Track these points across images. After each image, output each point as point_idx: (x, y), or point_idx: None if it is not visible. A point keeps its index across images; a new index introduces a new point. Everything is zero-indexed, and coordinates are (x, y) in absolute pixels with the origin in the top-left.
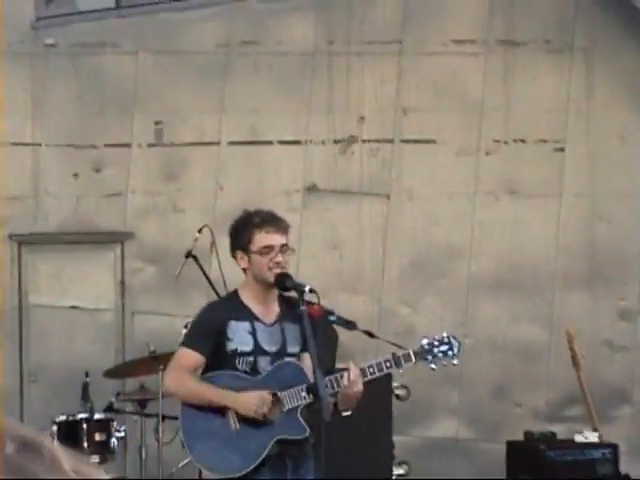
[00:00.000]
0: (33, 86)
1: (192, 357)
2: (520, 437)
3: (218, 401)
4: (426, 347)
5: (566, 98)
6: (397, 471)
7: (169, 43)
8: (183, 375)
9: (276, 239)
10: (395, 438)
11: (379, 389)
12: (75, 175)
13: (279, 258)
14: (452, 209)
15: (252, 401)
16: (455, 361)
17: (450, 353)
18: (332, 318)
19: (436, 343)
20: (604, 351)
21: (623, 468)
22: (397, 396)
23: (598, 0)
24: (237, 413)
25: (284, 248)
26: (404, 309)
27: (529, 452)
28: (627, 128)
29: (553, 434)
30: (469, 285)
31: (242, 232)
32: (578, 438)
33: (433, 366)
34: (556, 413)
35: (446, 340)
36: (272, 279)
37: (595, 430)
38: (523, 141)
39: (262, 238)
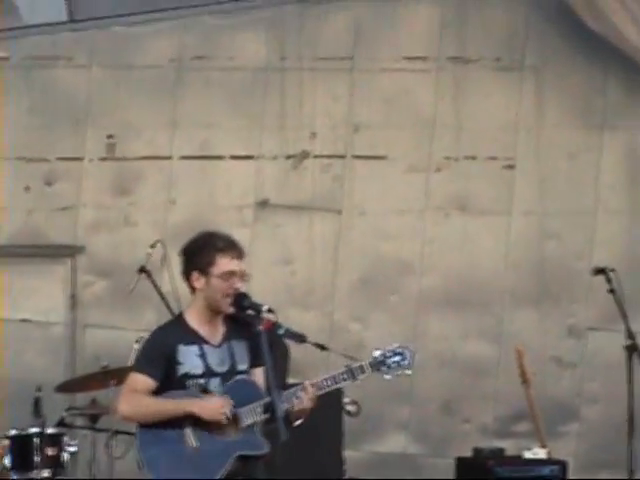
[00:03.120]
0: None
1: (144, 382)
2: (469, 453)
3: (181, 409)
4: (379, 358)
5: (516, 116)
6: None
7: (122, 57)
8: (136, 396)
9: (238, 265)
10: (346, 453)
11: (329, 405)
12: (26, 188)
13: (238, 284)
14: (402, 225)
15: (217, 402)
16: (408, 371)
17: (404, 363)
18: (281, 331)
19: (389, 354)
20: (552, 368)
21: None
22: (348, 412)
23: (549, 19)
24: (195, 428)
25: (243, 274)
26: (355, 325)
27: (478, 468)
28: (576, 146)
29: (501, 450)
30: (419, 301)
31: (203, 254)
32: (527, 454)
33: (388, 377)
34: (504, 429)
35: (399, 351)
36: (226, 306)
37: (543, 446)
38: (473, 158)
39: (226, 263)
